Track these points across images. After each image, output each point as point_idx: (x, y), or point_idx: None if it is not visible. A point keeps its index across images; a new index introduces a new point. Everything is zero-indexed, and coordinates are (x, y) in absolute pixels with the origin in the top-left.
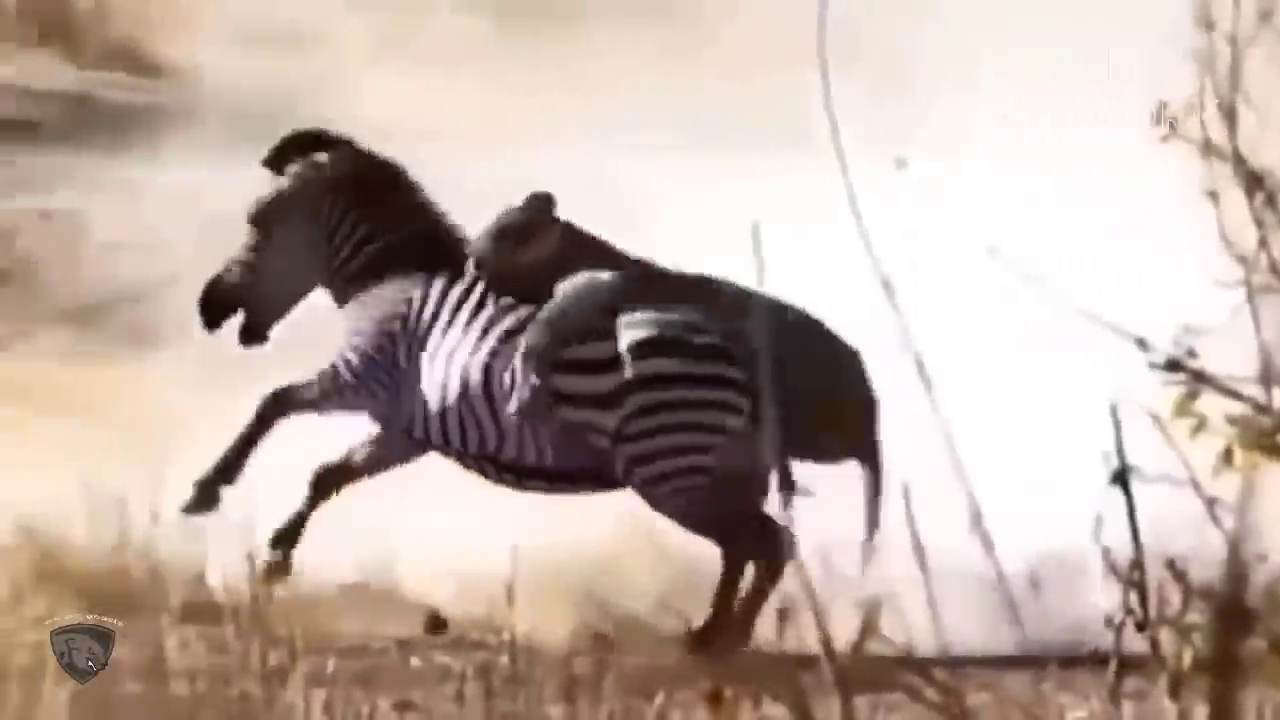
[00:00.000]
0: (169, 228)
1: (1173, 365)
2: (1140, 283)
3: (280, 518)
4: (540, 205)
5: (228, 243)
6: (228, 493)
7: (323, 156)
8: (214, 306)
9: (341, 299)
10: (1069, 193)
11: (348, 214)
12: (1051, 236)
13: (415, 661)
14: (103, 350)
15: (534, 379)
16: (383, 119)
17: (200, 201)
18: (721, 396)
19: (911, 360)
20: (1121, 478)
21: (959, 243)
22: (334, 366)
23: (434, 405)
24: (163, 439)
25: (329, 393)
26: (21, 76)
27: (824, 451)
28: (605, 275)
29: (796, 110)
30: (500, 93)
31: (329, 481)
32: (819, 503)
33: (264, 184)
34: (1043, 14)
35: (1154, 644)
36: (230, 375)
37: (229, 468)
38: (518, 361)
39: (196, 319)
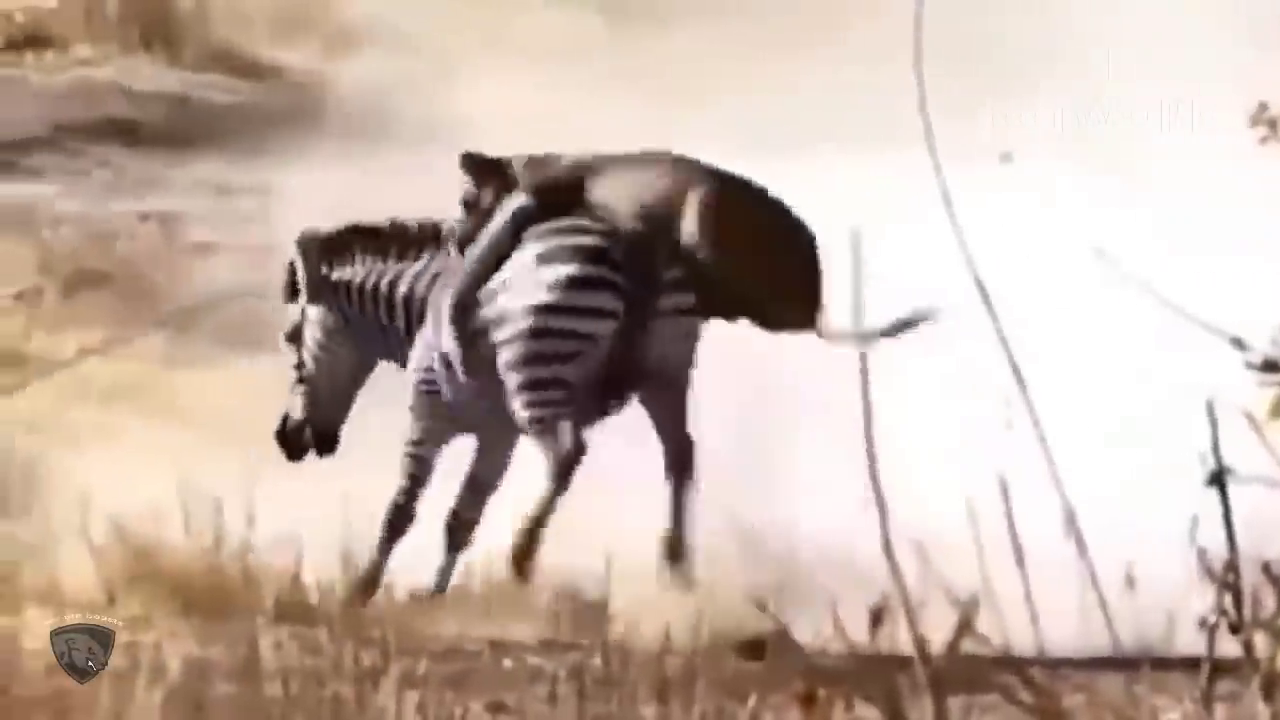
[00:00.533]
0: (268, 230)
1: (1270, 365)
2: (1238, 282)
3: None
4: (468, 166)
5: None
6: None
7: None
8: (289, 448)
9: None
10: (1166, 192)
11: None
12: (1148, 235)
13: (508, 663)
14: (201, 353)
15: (456, 341)
16: (487, 118)
17: (300, 203)
18: (596, 301)
19: (1006, 360)
20: (1218, 479)
21: (1055, 242)
22: (406, 435)
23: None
24: (258, 441)
25: (420, 445)
26: (122, 78)
27: (777, 320)
28: (511, 205)
29: (895, 107)
30: (597, 91)
31: (460, 527)
32: (914, 495)
33: (364, 183)
34: (1142, 14)
35: (1248, 647)
36: None
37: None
38: (445, 327)
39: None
